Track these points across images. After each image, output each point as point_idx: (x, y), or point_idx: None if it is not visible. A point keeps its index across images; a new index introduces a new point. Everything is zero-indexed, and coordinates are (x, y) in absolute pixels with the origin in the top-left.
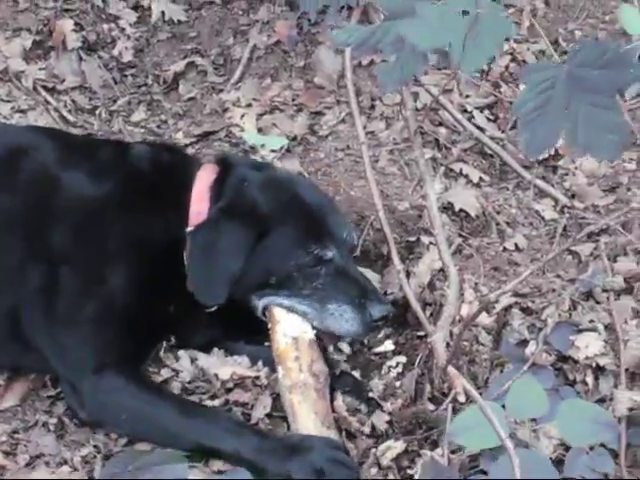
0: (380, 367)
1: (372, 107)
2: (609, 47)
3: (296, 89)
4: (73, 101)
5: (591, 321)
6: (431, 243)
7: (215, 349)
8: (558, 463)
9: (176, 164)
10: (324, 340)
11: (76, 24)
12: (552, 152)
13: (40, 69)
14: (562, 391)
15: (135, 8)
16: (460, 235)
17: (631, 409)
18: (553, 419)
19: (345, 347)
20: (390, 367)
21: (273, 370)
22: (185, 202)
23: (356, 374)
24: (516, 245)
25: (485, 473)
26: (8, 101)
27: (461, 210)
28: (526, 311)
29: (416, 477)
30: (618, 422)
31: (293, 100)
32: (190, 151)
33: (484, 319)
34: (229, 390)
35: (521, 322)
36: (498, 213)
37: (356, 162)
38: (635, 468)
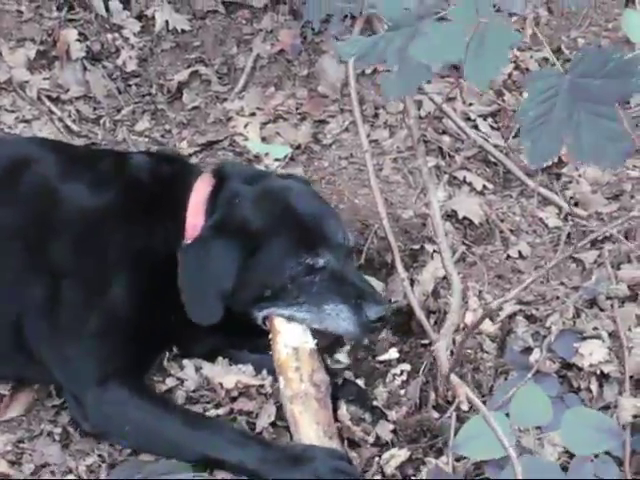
0: (384, 375)
1: (376, 115)
2: (612, 56)
3: (300, 98)
4: (77, 111)
5: (595, 328)
6: (435, 251)
7: (219, 358)
8: (563, 471)
9: (174, 175)
10: (326, 341)
11: (80, 34)
12: (555, 160)
13: (44, 79)
14: (566, 399)
15: (139, 18)
16: (464, 243)
17: (635, 416)
18: (557, 427)
19: (343, 357)
20: (394, 375)
21: (277, 379)
22: (182, 214)
23: (360, 382)
24: (520, 253)
25: None
26: (12, 111)
27: (465, 218)
28: (530, 319)
29: None
30: (622, 429)
31: (297, 109)
32: (194, 160)
33: (488, 327)
34: (234, 399)
35: (525, 330)
36: (502, 221)
37: (360, 170)
38: None
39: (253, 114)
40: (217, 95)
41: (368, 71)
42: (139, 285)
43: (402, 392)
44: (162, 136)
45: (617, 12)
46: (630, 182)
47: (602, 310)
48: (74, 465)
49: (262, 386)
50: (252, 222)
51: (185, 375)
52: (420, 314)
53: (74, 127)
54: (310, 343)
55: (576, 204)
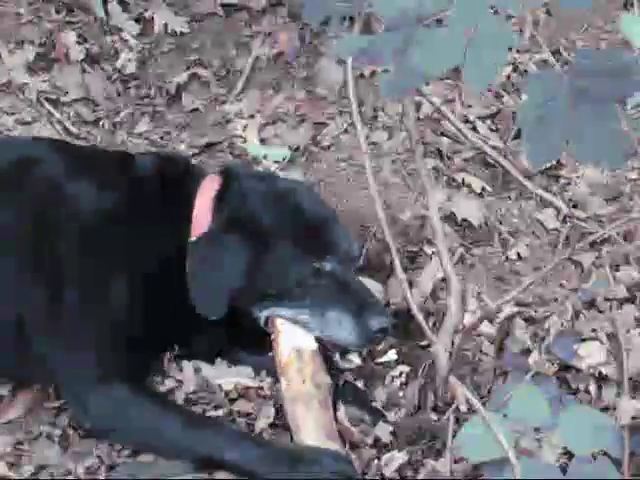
0: (384, 377)
1: (374, 117)
2: (612, 56)
3: (298, 100)
4: (77, 113)
5: (593, 330)
6: (433, 253)
7: (218, 359)
8: (561, 472)
9: (180, 175)
10: (328, 349)
11: (79, 36)
12: (554, 162)
13: (43, 81)
14: (565, 400)
15: (137, 20)
16: (462, 245)
17: (634, 417)
18: (556, 428)
19: (355, 357)
20: (394, 377)
21: (277, 380)
22: (189, 214)
23: (359, 384)
24: (519, 254)
25: None
26: (12, 113)
27: (463, 220)
28: (529, 320)
29: None
30: (622, 430)
31: (295, 111)
32: (194, 162)
33: (487, 328)
34: (233, 400)
35: (524, 331)
36: (500, 223)
37: (358, 172)
38: (639, 477)
39: (252, 116)
40: (216, 97)
41: (367, 73)
42: (143, 285)
43: (401, 394)
44: (161, 138)
45: (615, 14)
46: (628, 184)
47: (600, 312)
48: (73, 467)
49: (261, 388)
50: (262, 219)
51: (184, 377)
52: (419, 316)
53: (73, 129)
54: (312, 344)
55: (575, 206)
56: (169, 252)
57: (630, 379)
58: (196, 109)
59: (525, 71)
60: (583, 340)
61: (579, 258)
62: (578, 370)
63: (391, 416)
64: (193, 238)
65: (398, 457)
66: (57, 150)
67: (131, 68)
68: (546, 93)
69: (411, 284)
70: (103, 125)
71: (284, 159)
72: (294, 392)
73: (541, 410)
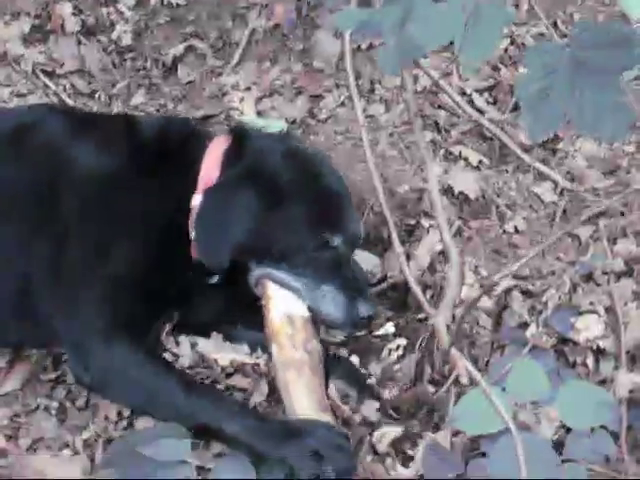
0: (380, 350)
1: (372, 90)
2: (612, 28)
3: (295, 72)
4: (72, 85)
5: (591, 303)
6: (431, 226)
7: (214, 334)
8: (559, 445)
9: (187, 134)
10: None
11: (75, 8)
12: (552, 135)
13: (39, 53)
14: (563, 373)
15: None
16: (460, 218)
17: (632, 391)
18: (554, 401)
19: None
20: (391, 350)
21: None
22: (195, 171)
23: (356, 357)
24: (516, 228)
25: (486, 455)
26: (7, 85)
27: (461, 193)
28: (526, 294)
29: (417, 459)
30: (619, 404)
31: (292, 83)
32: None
33: (484, 302)
34: (229, 375)
35: (521, 304)
36: (498, 196)
37: (356, 145)
38: (636, 450)
39: (248, 89)
40: (212, 69)
41: (364, 46)
42: (148, 240)
43: (397, 367)
44: (157, 110)
45: None
46: (626, 157)
47: (598, 285)
48: (70, 439)
49: (257, 365)
50: (280, 176)
51: (180, 351)
52: (416, 289)
53: (69, 101)
54: (304, 311)
55: (572, 179)
56: (173, 209)
57: (627, 352)
58: (192, 81)
59: (522, 44)
60: (581, 313)
61: (577, 231)
62: (575, 343)
63: (387, 390)
64: (198, 193)
65: (391, 432)
66: (59, 112)
67: (127, 40)
68: (546, 66)
69: (408, 257)
70: (99, 97)
71: (281, 132)
72: (285, 358)
73: (539, 384)
